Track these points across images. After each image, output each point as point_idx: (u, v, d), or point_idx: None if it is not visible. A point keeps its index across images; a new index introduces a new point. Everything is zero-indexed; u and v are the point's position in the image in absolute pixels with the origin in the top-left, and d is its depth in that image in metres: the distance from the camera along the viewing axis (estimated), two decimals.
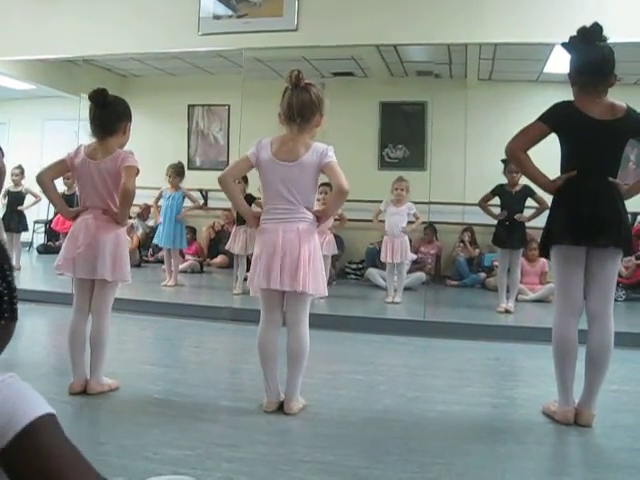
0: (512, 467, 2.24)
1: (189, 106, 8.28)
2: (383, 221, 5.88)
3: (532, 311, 5.78)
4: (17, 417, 0.76)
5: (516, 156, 2.72)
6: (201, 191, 7.73)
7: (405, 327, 4.68)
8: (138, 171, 2.84)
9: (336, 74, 7.30)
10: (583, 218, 2.57)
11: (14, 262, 6.74)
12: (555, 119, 2.62)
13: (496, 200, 5.45)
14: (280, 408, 2.70)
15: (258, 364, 2.75)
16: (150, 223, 7.97)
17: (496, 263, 6.01)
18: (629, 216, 3.10)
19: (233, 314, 4.90)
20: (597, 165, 2.61)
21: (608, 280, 2.64)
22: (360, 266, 7.50)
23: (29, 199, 7.06)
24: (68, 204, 3.23)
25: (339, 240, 6.81)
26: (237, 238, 6.00)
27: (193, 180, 6.92)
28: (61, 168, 2.94)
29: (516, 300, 5.58)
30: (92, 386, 2.83)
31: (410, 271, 6.46)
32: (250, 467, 2.13)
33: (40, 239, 8.72)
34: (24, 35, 5.68)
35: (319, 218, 2.73)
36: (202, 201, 7.77)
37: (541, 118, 2.65)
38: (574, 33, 2.62)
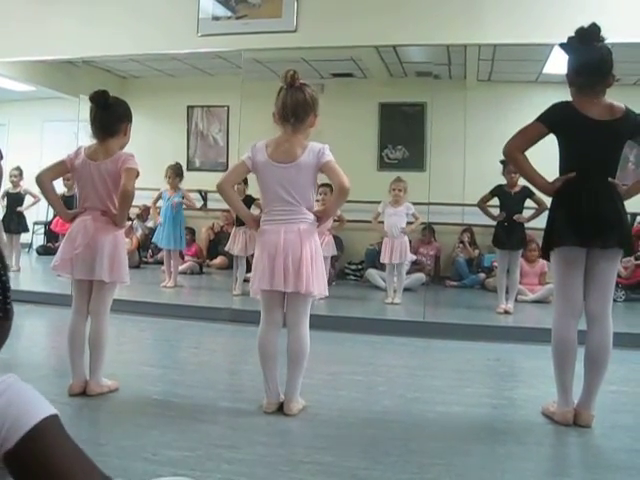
0: (512, 468, 2.24)
1: (188, 107, 8.29)
2: (382, 222, 5.89)
3: (532, 312, 5.78)
4: (22, 420, 0.77)
5: (513, 156, 2.72)
6: (200, 192, 7.74)
7: (405, 328, 4.68)
8: (138, 174, 2.85)
9: (335, 75, 7.31)
10: (584, 219, 2.57)
11: (14, 263, 6.75)
12: (553, 119, 2.62)
13: (495, 201, 5.45)
14: (280, 409, 2.70)
15: (258, 365, 2.75)
16: (149, 224, 7.97)
17: (495, 264, 6.01)
18: (629, 216, 3.11)
19: (232, 315, 4.90)
20: (596, 166, 2.61)
21: (608, 281, 2.64)
22: (360, 267, 7.50)
23: (28, 200, 7.06)
24: (68, 206, 3.23)
25: (339, 241, 6.81)
26: (237, 239, 6.01)
27: (192, 181, 6.93)
28: (60, 169, 2.94)
29: (516, 301, 5.58)
30: (91, 387, 2.83)
31: (410, 272, 6.46)
32: (250, 468, 2.13)
33: (40, 240, 8.73)
34: (24, 36, 5.68)
35: (319, 218, 2.73)
36: (202, 202, 7.79)
37: (539, 118, 2.65)
38: (573, 34, 2.62)
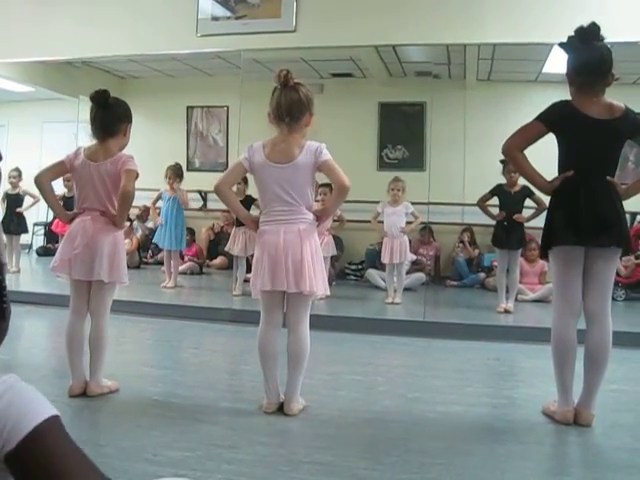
0: (512, 467, 2.24)
1: (188, 107, 8.28)
2: (382, 222, 5.89)
3: (532, 311, 5.78)
4: (23, 421, 0.77)
5: (512, 155, 2.72)
6: (200, 192, 7.74)
7: (405, 328, 4.68)
8: (138, 175, 2.86)
9: (335, 75, 7.31)
10: (583, 218, 2.56)
11: (13, 264, 6.75)
12: (553, 118, 2.62)
13: (495, 200, 5.45)
14: (280, 409, 2.70)
15: (258, 365, 2.75)
16: (149, 225, 7.97)
17: (495, 263, 6.01)
18: (628, 216, 3.11)
19: (233, 315, 4.90)
20: (595, 165, 2.61)
21: (607, 280, 2.64)
22: (360, 267, 7.49)
23: (28, 200, 7.06)
24: (68, 207, 3.23)
25: (339, 241, 6.81)
26: (236, 239, 6.01)
27: (192, 182, 6.93)
28: (60, 170, 2.94)
29: (516, 300, 5.58)
30: (92, 388, 2.83)
31: (409, 272, 6.47)
32: (250, 468, 2.13)
33: (39, 241, 8.73)
34: (23, 37, 5.68)
35: (319, 218, 2.73)
36: (201, 202, 7.79)
37: (539, 117, 2.65)
38: (573, 33, 2.62)
